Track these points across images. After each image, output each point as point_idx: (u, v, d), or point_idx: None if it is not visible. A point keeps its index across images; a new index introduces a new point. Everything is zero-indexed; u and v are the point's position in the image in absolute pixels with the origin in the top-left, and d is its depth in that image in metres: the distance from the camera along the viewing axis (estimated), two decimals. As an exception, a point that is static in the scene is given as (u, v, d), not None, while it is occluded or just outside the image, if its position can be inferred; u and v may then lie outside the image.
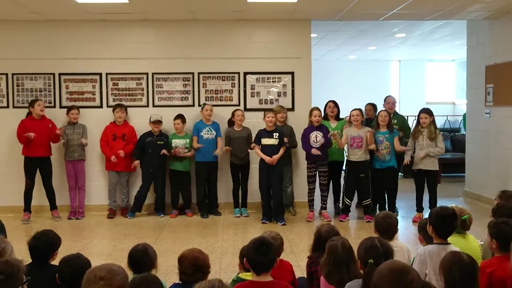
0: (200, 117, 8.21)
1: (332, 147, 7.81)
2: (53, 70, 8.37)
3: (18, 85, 8.36)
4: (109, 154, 8.00)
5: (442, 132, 8.96)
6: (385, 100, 8.49)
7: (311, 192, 7.86)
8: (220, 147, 8.09)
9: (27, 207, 7.85)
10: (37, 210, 8.05)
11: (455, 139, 12.50)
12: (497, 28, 8.54)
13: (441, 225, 3.60)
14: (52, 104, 8.33)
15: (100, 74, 8.42)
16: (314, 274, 3.62)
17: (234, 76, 8.51)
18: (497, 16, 8.38)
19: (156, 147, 8.02)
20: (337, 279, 3.16)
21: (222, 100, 8.49)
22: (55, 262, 3.46)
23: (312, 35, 8.90)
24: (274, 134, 7.58)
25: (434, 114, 7.81)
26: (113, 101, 8.37)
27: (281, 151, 7.60)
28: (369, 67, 15.40)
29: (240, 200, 8.19)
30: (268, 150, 7.56)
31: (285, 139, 7.70)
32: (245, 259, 3.10)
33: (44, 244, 3.52)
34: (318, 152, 7.56)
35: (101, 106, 8.42)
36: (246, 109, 8.33)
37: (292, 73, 8.53)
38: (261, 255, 3.01)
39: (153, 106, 8.45)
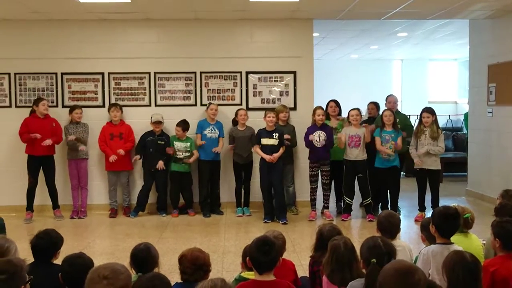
0: (203, 115, 8.23)
1: (334, 146, 7.81)
2: (55, 70, 8.37)
3: (20, 85, 8.37)
4: (109, 153, 8.01)
5: (444, 132, 8.95)
6: (386, 100, 8.48)
7: (313, 191, 7.86)
8: (221, 146, 8.09)
9: (30, 206, 7.86)
10: (39, 210, 8.06)
11: (457, 138, 12.48)
12: (500, 27, 8.53)
13: (444, 224, 3.60)
14: (55, 104, 8.33)
15: (102, 74, 8.43)
16: (317, 273, 3.62)
17: (236, 76, 8.51)
18: (500, 15, 8.37)
19: (157, 147, 8.03)
20: (339, 279, 3.16)
21: (224, 100, 8.49)
22: (57, 261, 3.47)
23: (314, 34, 8.89)
24: (274, 134, 7.58)
25: (436, 113, 7.81)
26: (115, 101, 8.36)
27: (281, 150, 7.60)
28: (371, 66, 15.40)
29: (242, 199, 8.20)
30: (268, 150, 7.56)
31: (286, 136, 7.71)
32: (248, 258, 3.10)
33: (46, 243, 3.52)
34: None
35: (103, 106, 8.42)
36: (248, 109, 8.33)
37: (294, 73, 8.52)
38: (264, 255, 3.01)
39: (155, 105, 8.45)
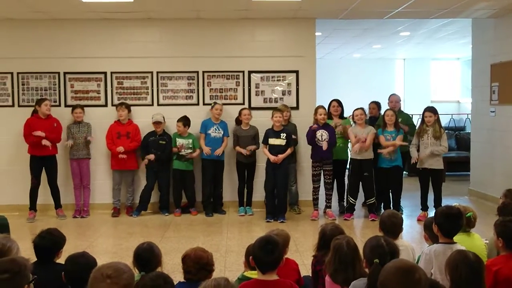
0: (206, 115, 8.25)
1: (337, 146, 7.80)
2: (58, 69, 8.38)
3: (23, 84, 8.38)
4: (116, 151, 8.01)
5: (446, 131, 8.94)
6: (389, 99, 8.47)
7: (315, 190, 7.85)
8: (223, 146, 8.09)
9: (33, 206, 7.88)
10: (42, 209, 8.06)
11: (460, 137, 12.46)
12: (502, 26, 8.51)
13: (447, 224, 3.59)
14: (57, 103, 8.34)
15: (105, 73, 8.43)
16: (319, 272, 3.62)
17: (238, 75, 8.51)
18: (502, 14, 8.35)
19: (158, 147, 8.03)
20: (342, 278, 3.16)
21: (227, 99, 8.49)
22: (60, 260, 3.47)
23: (317, 33, 8.89)
24: (282, 134, 7.60)
25: (439, 113, 7.80)
26: (117, 100, 8.37)
27: (288, 151, 7.62)
28: (374, 65, 15.37)
29: (245, 199, 8.20)
30: (275, 150, 7.58)
31: (294, 137, 7.76)
32: (251, 257, 3.10)
33: (48, 242, 3.52)
34: (325, 146, 7.54)
35: (106, 105, 8.43)
36: (250, 108, 8.33)
37: (296, 72, 8.52)
38: (267, 254, 3.01)
39: (158, 105, 8.46)
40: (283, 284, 3.04)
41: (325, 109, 7.77)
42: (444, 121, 12.17)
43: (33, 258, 3.39)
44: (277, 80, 8.54)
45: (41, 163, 7.85)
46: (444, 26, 9.95)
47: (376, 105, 8.85)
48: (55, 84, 8.40)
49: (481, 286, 2.85)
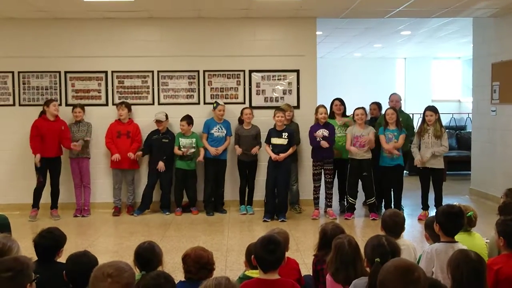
0: (207, 114, 8.26)
1: (341, 144, 7.80)
2: (59, 68, 8.38)
3: (24, 83, 8.38)
4: (114, 151, 8.01)
5: (447, 130, 8.94)
6: (389, 98, 8.46)
7: (316, 190, 7.86)
8: (224, 145, 8.09)
9: (36, 204, 7.86)
10: (44, 208, 8.05)
11: (460, 137, 12.45)
12: (503, 25, 8.50)
13: (448, 223, 3.59)
14: (58, 102, 8.32)
15: (106, 72, 8.43)
16: (320, 272, 3.62)
17: (239, 74, 8.51)
18: (503, 14, 8.35)
19: (161, 145, 8.03)
20: (343, 277, 3.16)
21: (228, 98, 8.48)
22: (61, 259, 3.47)
23: (318, 32, 8.89)
24: (284, 134, 7.60)
25: (440, 112, 7.80)
26: (118, 99, 8.37)
27: (290, 150, 7.63)
28: (375, 64, 15.38)
29: (246, 198, 8.20)
30: (277, 149, 7.59)
31: None
32: (253, 256, 3.10)
33: (49, 241, 3.52)
34: (327, 144, 7.54)
35: (106, 104, 8.44)
36: (251, 107, 8.32)
37: (297, 71, 8.52)
38: (269, 253, 3.01)
39: (159, 104, 8.46)
40: (285, 283, 3.05)
41: (325, 108, 7.77)
42: (445, 120, 12.14)
43: (35, 258, 3.39)
44: (278, 79, 8.54)
45: (46, 165, 7.83)
46: (445, 25, 9.95)
47: (377, 105, 8.84)
48: (56, 83, 8.40)
49: (483, 285, 2.85)
